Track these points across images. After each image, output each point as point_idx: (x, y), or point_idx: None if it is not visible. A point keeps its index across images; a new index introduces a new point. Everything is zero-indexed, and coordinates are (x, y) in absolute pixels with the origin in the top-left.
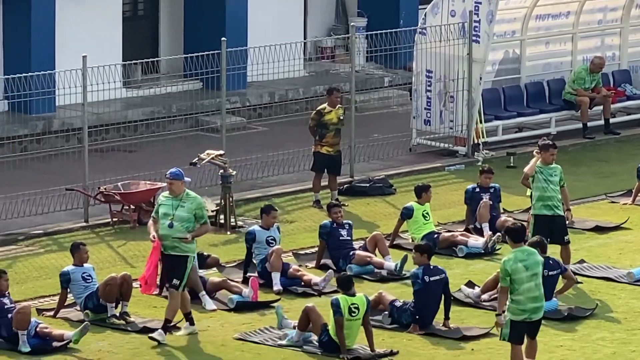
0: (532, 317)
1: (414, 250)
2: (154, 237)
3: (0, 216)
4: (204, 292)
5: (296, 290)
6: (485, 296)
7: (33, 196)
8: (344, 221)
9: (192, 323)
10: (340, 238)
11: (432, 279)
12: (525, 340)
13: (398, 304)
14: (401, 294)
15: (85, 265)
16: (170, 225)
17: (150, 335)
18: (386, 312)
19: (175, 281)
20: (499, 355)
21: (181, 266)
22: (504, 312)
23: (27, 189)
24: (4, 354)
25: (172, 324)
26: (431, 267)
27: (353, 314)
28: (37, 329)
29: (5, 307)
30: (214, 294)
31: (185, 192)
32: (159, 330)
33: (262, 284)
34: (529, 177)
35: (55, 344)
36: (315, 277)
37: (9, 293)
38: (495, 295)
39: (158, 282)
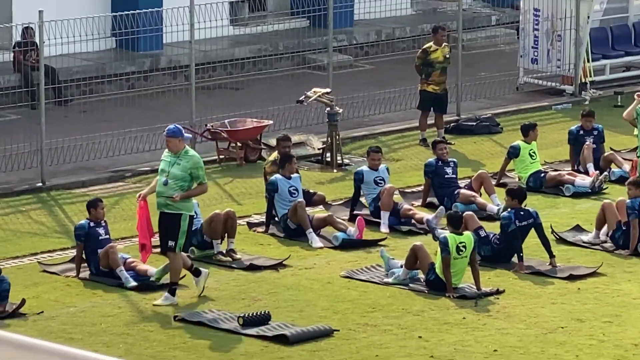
0: None
1: (505, 194)
2: (139, 196)
3: (107, 153)
4: (310, 230)
5: (402, 229)
6: (602, 236)
7: (140, 133)
8: (449, 159)
9: (173, 294)
10: (446, 176)
11: (521, 223)
12: None
13: (482, 233)
14: None
15: None
16: (165, 183)
17: (154, 303)
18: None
19: (170, 243)
20: (605, 295)
21: (174, 226)
22: None
23: (134, 126)
24: (99, 287)
25: (178, 285)
26: (522, 211)
27: (460, 253)
28: (125, 263)
29: (100, 238)
30: (319, 231)
31: (184, 150)
32: (165, 295)
33: (372, 223)
34: (629, 121)
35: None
36: (427, 214)
37: (105, 222)
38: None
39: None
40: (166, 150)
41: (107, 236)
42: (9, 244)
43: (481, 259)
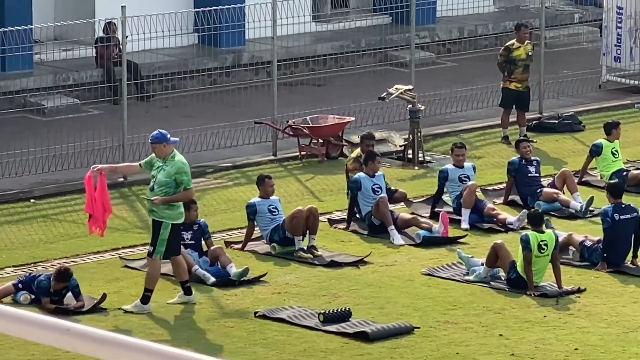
0: None
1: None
2: (95, 167)
3: (189, 149)
4: (392, 227)
5: (483, 227)
6: None
7: (222, 129)
8: (533, 157)
9: (187, 292)
10: (529, 174)
11: (622, 217)
12: None
13: (588, 243)
14: (588, 231)
15: (271, 197)
16: (152, 189)
17: (123, 307)
18: (574, 249)
19: (149, 248)
20: None
21: (155, 232)
22: None
23: (216, 122)
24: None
25: (152, 293)
26: (622, 205)
27: (542, 251)
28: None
29: (182, 242)
30: (402, 230)
31: (171, 155)
32: (136, 301)
33: (453, 220)
34: None
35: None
36: (510, 216)
37: (199, 226)
38: None
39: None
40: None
41: (192, 241)
42: (91, 238)
43: (594, 265)
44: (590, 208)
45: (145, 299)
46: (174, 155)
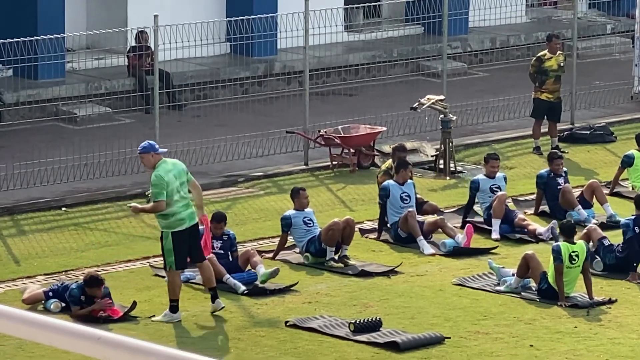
0: None
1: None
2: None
3: (221, 158)
4: (421, 237)
5: (514, 237)
6: None
7: (253, 138)
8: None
9: (212, 300)
10: (558, 187)
11: (639, 230)
12: None
13: (606, 242)
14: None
15: (306, 209)
16: (148, 202)
17: (153, 319)
18: (598, 259)
19: (162, 262)
20: None
21: (160, 244)
22: None
23: (248, 131)
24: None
25: (177, 302)
26: None
27: (573, 262)
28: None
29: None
30: (431, 236)
31: (155, 166)
32: (165, 311)
33: (485, 230)
34: None
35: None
36: (540, 227)
37: (229, 237)
38: None
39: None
40: None
41: (222, 251)
42: (122, 247)
43: (606, 268)
44: (617, 219)
45: (173, 309)
46: (157, 167)
